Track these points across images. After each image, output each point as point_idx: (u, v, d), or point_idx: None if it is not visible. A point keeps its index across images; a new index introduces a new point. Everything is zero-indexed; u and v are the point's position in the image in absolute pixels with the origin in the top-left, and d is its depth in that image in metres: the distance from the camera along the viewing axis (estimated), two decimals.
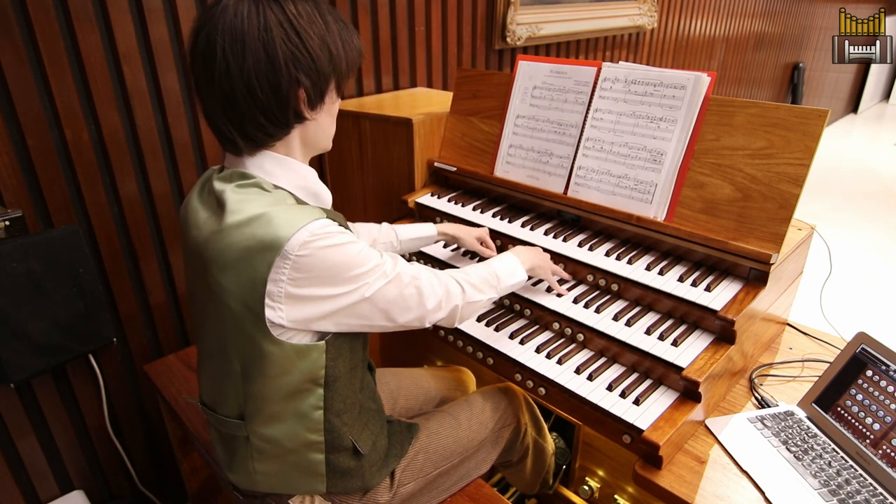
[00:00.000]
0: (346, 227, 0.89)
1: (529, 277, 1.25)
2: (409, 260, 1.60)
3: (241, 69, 0.81)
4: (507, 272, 1.16)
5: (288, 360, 0.87)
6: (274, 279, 0.80)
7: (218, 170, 0.94)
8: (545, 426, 1.39)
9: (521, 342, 1.28)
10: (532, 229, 1.47)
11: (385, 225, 1.40)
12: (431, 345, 1.75)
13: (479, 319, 1.37)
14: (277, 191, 0.88)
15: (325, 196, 0.97)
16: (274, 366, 0.87)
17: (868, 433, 1.05)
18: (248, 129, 0.86)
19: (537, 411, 1.38)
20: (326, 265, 0.82)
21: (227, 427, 0.98)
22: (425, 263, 1.56)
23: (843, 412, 1.10)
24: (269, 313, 0.82)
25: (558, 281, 1.33)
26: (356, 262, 0.85)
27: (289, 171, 0.91)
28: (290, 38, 0.82)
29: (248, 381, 0.90)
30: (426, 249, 1.55)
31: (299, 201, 0.90)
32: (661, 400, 1.10)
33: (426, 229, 1.43)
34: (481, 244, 1.43)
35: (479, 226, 1.55)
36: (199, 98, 0.89)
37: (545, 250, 1.39)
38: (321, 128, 0.94)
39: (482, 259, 1.47)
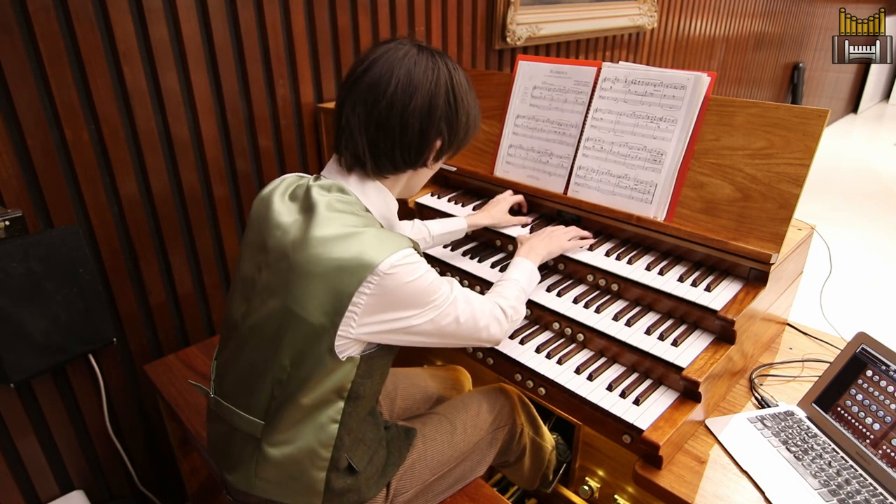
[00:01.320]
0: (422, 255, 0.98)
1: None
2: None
3: (405, 107, 0.95)
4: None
5: (332, 369, 0.92)
6: (360, 293, 0.87)
7: (314, 177, 1.01)
8: (542, 424, 1.39)
9: (521, 342, 1.28)
10: (532, 230, 1.47)
11: (417, 222, 1.43)
12: None
13: None
14: (367, 215, 0.98)
15: (398, 228, 1.10)
16: (319, 373, 0.91)
17: (868, 433, 1.05)
18: (381, 156, 0.98)
19: (533, 410, 1.37)
20: (405, 290, 0.90)
21: (243, 424, 0.99)
22: None
23: (843, 412, 1.10)
24: (343, 325, 0.89)
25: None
26: (430, 290, 0.94)
27: (382, 200, 1.03)
28: (450, 99, 0.98)
29: (290, 384, 0.93)
30: (426, 250, 1.55)
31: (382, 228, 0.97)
32: (661, 400, 1.10)
33: (457, 223, 1.47)
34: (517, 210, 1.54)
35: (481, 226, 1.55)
36: (341, 112, 0.98)
37: None
38: (424, 178, 1.10)
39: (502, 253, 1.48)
